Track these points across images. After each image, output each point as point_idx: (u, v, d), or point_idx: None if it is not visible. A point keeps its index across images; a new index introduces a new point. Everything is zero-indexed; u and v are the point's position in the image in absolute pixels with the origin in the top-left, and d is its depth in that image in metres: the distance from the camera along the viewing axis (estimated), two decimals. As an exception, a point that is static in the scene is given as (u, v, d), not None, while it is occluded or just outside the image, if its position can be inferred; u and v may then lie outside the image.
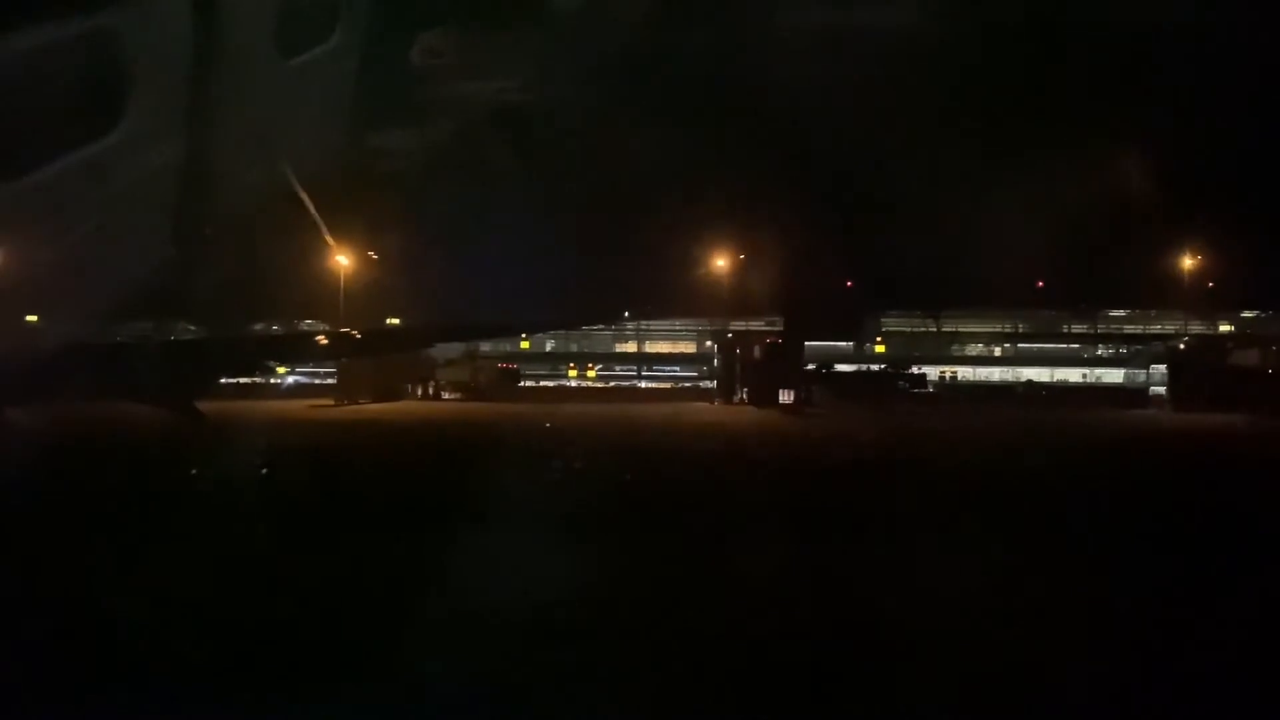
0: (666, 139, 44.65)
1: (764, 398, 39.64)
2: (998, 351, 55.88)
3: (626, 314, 52.29)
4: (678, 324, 55.51)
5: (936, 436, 26.39)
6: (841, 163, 43.44)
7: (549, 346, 55.49)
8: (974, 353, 55.34)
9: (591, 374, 53.55)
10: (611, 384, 52.69)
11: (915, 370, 46.16)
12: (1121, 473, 18.64)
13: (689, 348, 55.99)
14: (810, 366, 44.27)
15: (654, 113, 45.01)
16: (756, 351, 42.35)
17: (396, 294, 45.50)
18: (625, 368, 55.72)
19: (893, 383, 43.52)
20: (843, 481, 16.46)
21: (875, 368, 46.89)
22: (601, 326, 55.13)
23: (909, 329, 53.33)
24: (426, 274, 46.88)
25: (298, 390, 49.06)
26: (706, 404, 44.18)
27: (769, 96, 46.39)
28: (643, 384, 53.62)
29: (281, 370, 56.00)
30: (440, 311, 46.71)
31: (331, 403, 39.85)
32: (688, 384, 52.63)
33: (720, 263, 48.50)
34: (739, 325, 54.68)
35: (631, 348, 55.40)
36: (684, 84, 47.14)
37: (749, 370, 41.93)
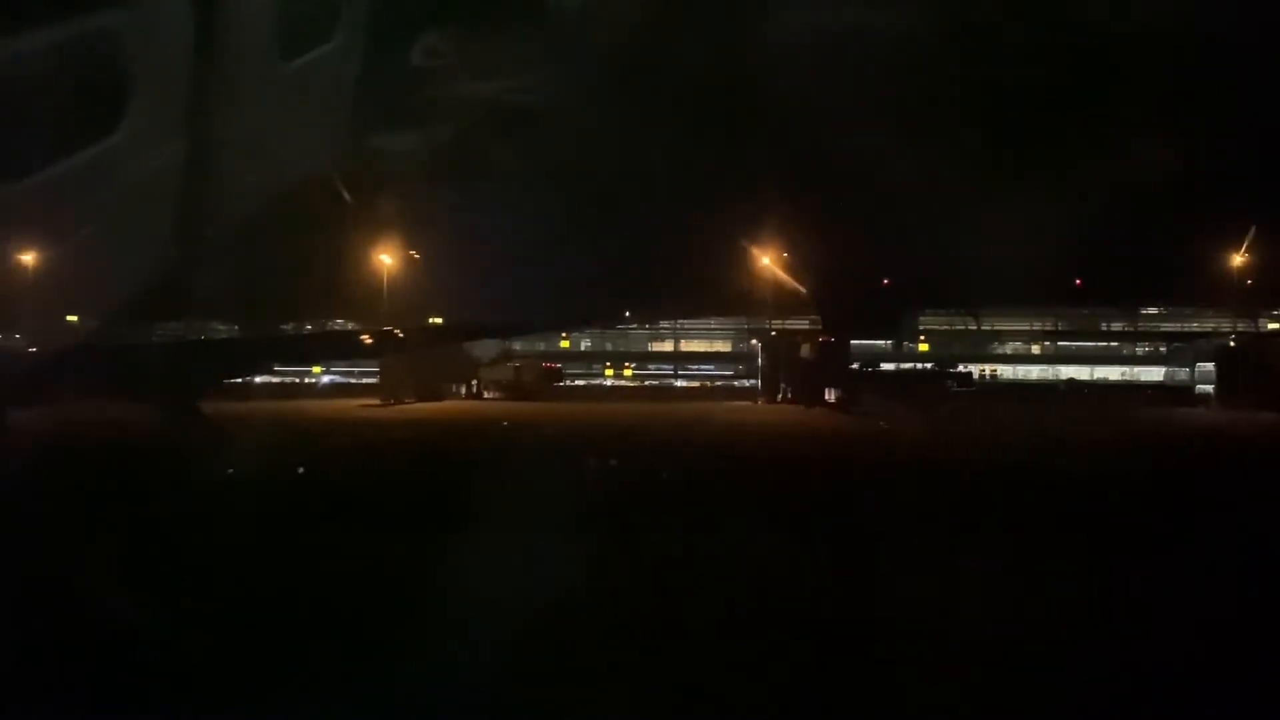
0: (695, 138, 44.52)
1: (810, 397, 39.36)
2: (1035, 349, 55.62)
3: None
4: (712, 323, 55.43)
5: (1014, 437, 26.04)
6: (877, 160, 43.19)
7: (584, 345, 55.39)
8: (1011, 350, 55.09)
9: (628, 373, 53.40)
10: (646, 383, 52.59)
11: (961, 369, 45.83)
12: (1227, 477, 18.28)
13: (723, 347, 55.87)
14: (853, 365, 44.04)
15: (681, 111, 44.86)
16: (803, 350, 42.07)
17: (412, 294, 45.53)
18: (659, 366, 55.61)
19: (940, 381, 43.20)
20: (951, 486, 16.03)
21: (922, 366, 46.58)
22: (637, 325, 55.10)
23: (946, 327, 53.09)
24: (441, 274, 46.87)
25: (336, 390, 49.06)
26: (749, 403, 43.96)
27: (797, 93, 46.23)
28: (677, 383, 53.52)
29: (317, 370, 56.12)
30: (454, 311, 46.73)
31: (378, 402, 39.68)
32: (721, 383, 52.56)
33: (755, 262, 48.31)
34: (774, 324, 54.59)
35: (666, 347, 55.30)
36: (709, 80, 46.99)
37: (794, 369, 41.64)
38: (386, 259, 44.03)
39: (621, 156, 47.01)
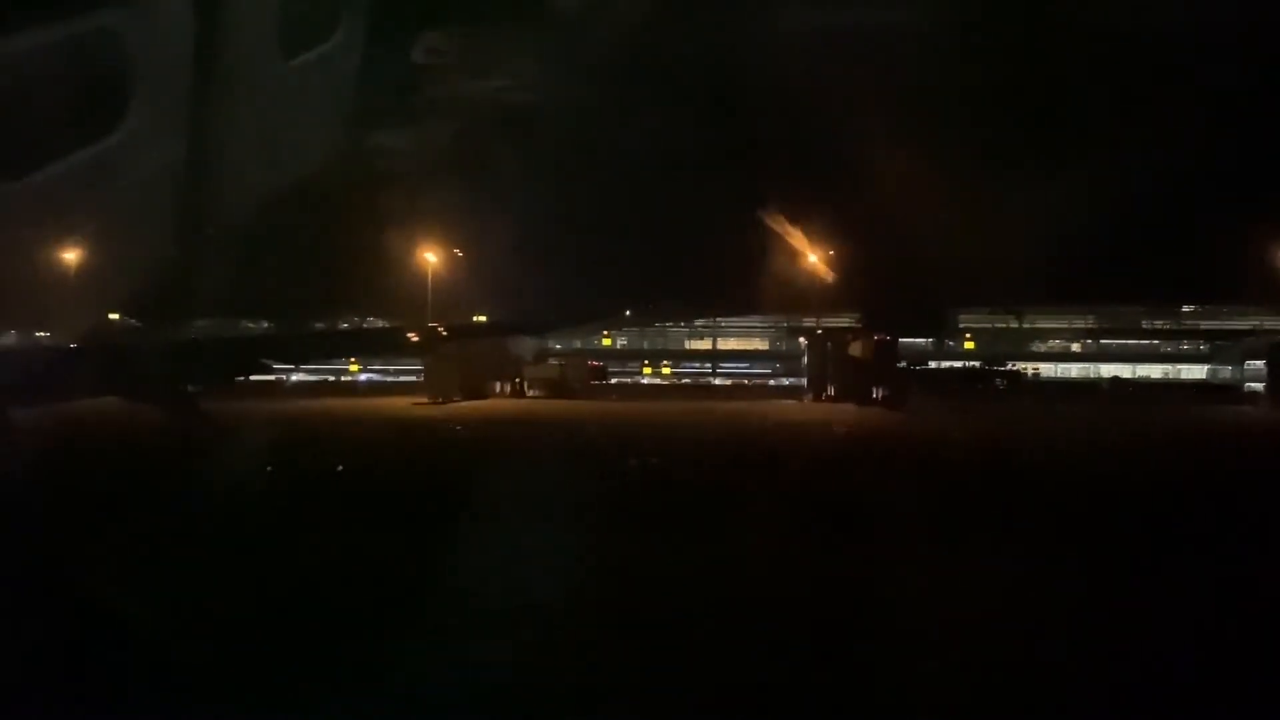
0: (733, 134, 44.30)
1: (861, 396, 39.10)
2: (1075, 347, 55.28)
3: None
4: (748, 321, 55.27)
5: (1083, 436, 25.76)
6: (916, 155, 42.93)
7: (619, 343, 55.20)
8: (1052, 349, 54.76)
9: (666, 371, 53.23)
10: (684, 381, 52.43)
11: (1009, 367, 45.52)
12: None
13: (758, 345, 55.69)
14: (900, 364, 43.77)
15: (720, 108, 44.68)
16: (852, 348, 41.78)
17: (453, 291, 45.43)
18: (695, 365, 55.46)
19: (990, 380, 42.88)
20: (1050, 490, 15.60)
21: (969, 364, 46.27)
22: (674, 323, 54.97)
23: (986, 324, 52.79)
24: (476, 271, 46.71)
25: (377, 388, 48.96)
26: (796, 401, 43.72)
27: (835, 89, 45.97)
28: (714, 381, 53.37)
29: (354, 368, 56.05)
30: (490, 309, 46.56)
31: (426, 400, 39.56)
32: (760, 381, 52.39)
33: (794, 260, 48.02)
34: (811, 321, 54.33)
35: (702, 345, 55.17)
36: (745, 76, 46.77)
37: (843, 367, 41.34)
38: (431, 256, 43.96)
39: (655, 153, 46.91)
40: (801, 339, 46.73)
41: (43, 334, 32.84)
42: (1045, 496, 13.79)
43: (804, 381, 51.30)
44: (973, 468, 18.34)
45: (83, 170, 9.09)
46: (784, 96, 46.85)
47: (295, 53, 11.44)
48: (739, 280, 49.33)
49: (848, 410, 36.15)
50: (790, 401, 43.35)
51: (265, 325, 48.40)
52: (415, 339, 43.73)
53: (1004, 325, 52.23)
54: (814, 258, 47.86)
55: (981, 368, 44.73)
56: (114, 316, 47.19)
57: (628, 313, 48.84)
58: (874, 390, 39.07)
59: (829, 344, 43.15)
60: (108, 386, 10.86)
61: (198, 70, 9.73)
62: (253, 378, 49.37)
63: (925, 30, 49.78)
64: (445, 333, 43.10)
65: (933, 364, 46.27)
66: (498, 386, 45.41)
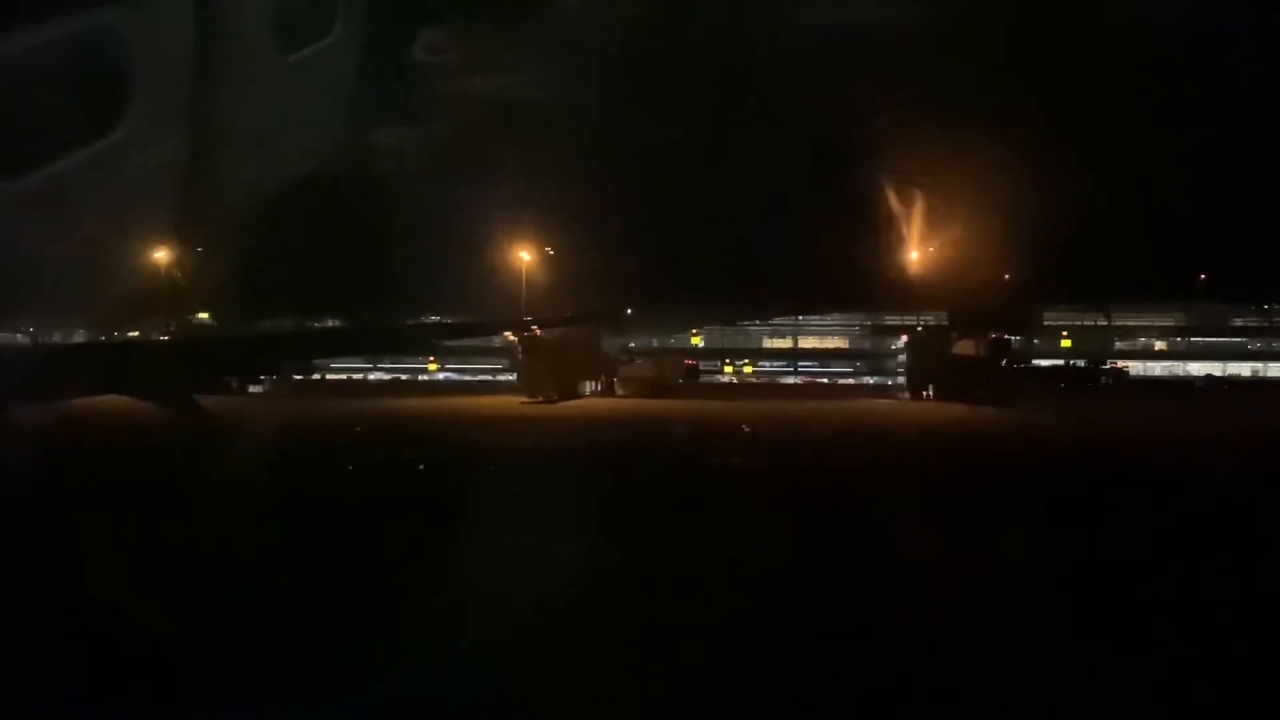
0: (820, 131, 43.84)
1: (965, 394, 38.53)
2: (1159, 345, 54.61)
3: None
4: (830, 319, 54.94)
5: (1231, 432, 25.12)
6: (1003, 152, 42.42)
7: (698, 342, 54.85)
8: (1138, 346, 54.08)
9: (748, 369, 52.86)
10: (769, 380, 52.09)
11: (1114, 365, 44.93)
12: None
13: (837, 343, 55.29)
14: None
15: (808, 106, 44.24)
16: (961, 346, 41.26)
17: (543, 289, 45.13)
18: (770, 363, 55.11)
19: (1096, 378, 42.29)
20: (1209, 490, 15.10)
21: (1075, 362, 45.67)
22: (754, 322, 54.64)
23: (1073, 322, 52.22)
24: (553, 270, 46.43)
25: (461, 387, 48.68)
26: (891, 400, 43.28)
27: (920, 85, 45.52)
28: (793, 379, 53.00)
29: (432, 367, 55.90)
30: (577, 304, 46.27)
31: (528, 399, 39.29)
32: (844, 380, 52.06)
33: (878, 258, 47.56)
34: (894, 320, 53.89)
35: (781, 343, 54.79)
36: (827, 74, 46.38)
37: (948, 366, 40.80)
38: (525, 255, 43.73)
39: (739, 152, 46.60)
40: (903, 337, 46.20)
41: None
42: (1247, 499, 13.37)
43: (888, 380, 50.97)
44: (1150, 470, 17.63)
45: (82, 170, 8.97)
46: (879, 94, 46.43)
47: (296, 50, 11.36)
48: (822, 278, 48.96)
49: (965, 410, 35.63)
50: (887, 401, 42.89)
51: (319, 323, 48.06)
52: (525, 334, 43.66)
53: (1092, 323, 51.63)
54: (898, 256, 47.42)
55: (1086, 366, 44.09)
56: (202, 316, 47.49)
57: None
58: (981, 390, 38.43)
59: (934, 343, 42.60)
60: (109, 385, 10.70)
61: (198, 69, 9.68)
62: (327, 375, 49.83)
63: (1010, 23, 49.39)
64: (540, 330, 42.98)
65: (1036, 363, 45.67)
66: (594, 385, 45.10)
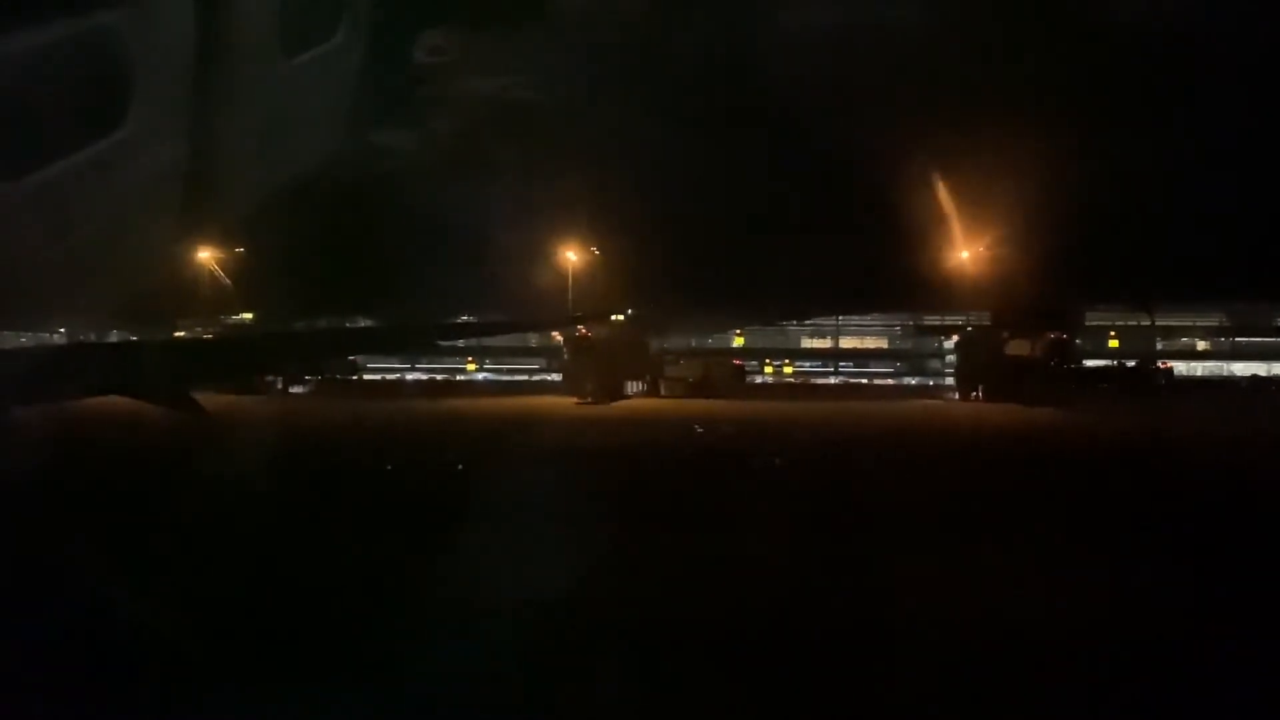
0: (859, 130, 43.56)
1: (1019, 394, 38.28)
2: (1201, 345, 54.21)
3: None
4: (869, 319, 54.67)
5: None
6: (1045, 151, 42.14)
7: (736, 342, 54.58)
8: (1180, 346, 53.65)
9: (788, 370, 52.58)
10: (801, 380, 51.76)
11: (1160, 365, 44.59)
12: None
13: (877, 343, 55.01)
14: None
15: (849, 106, 44.00)
16: (1015, 346, 40.99)
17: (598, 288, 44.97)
18: (808, 364, 54.80)
19: (1149, 378, 41.97)
20: None
21: (1127, 362, 45.30)
22: (793, 322, 54.36)
23: (1117, 322, 51.89)
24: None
25: (504, 387, 48.46)
26: (941, 401, 43.03)
27: (964, 84, 45.27)
28: (832, 380, 52.69)
29: (471, 367, 55.69)
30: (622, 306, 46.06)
31: (579, 400, 39.10)
32: (879, 380, 51.76)
33: (922, 258, 47.27)
34: (933, 320, 53.58)
35: (820, 343, 54.49)
36: (868, 73, 46.14)
37: (1002, 366, 40.52)
38: (573, 255, 43.58)
39: (781, 152, 46.38)
40: (954, 337, 45.91)
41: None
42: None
43: (929, 381, 50.71)
44: (1247, 474, 17.39)
45: (82, 170, 8.94)
46: (913, 89, 46.18)
47: (300, 53, 11.48)
48: (858, 278, 48.69)
49: (1022, 411, 35.40)
50: (937, 401, 42.65)
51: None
52: (574, 334, 43.54)
53: (1134, 323, 51.26)
54: (940, 255, 47.14)
55: (1139, 366, 43.76)
56: (247, 316, 47.39)
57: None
58: (1034, 390, 38.13)
59: (986, 343, 42.32)
60: (110, 385, 10.66)
61: (199, 69, 9.66)
62: (365, 376, 49.66)
63: (1054, 21, 49.06)
64: (589, 331, 42.83)
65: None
66: (639, 386, 44.83)
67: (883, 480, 16.25)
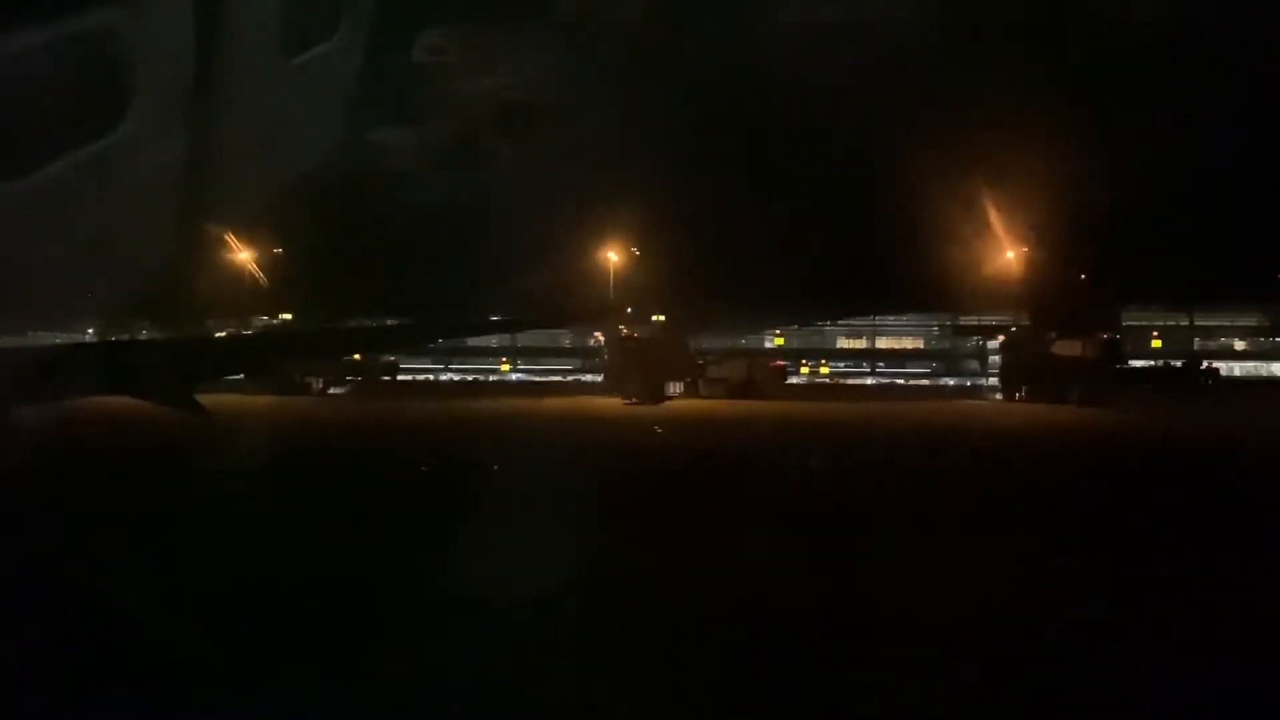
0: (896, 128, 43.37)
1: (1066, 395, 38.05)
2: (1239, 345, 54.03)
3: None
4: (906, 319, 54.62)
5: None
6: (1076, 149, 41.93)
7: (769, 343, 54.51)
8: (1217, 346, 53.46)
9: (825, 370, 52.40)
10: (837, 380, 51.63)
11: (1205, 365, 44.26)
12: None
13: (912, 343, 54.92)
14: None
15: (891, 104, 43.84)
16: (1062, 346, 40.74)
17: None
18: (843, 364, 54.73)
19: (1196, 378, 41.68)
20: None
21: (1173, 362, 44.99)
22: (829, 323, 54.32)
23: (1150, 322, 51.76)
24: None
25: (541, 388, 48.31)
26: (983, 401, 42.79)
27: (1002, 84, 45.03)
28: (869, 380, 52.60)
29: (505, 368, 55.64)
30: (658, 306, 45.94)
31: (625, 400, 38.94)
32: (916, 380, 51.63)
33: (958, 258, 47.07)
34: (969, 320, 53.42)
35: (855, 344, 54.47)
36: (904, 72, 45.96)
37: (1048, 367, 40.25)
38: (614, 255, 43.47)
39: (818, 152, 46.16)
40: (999, 337, 45.70)
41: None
42: None
43: (967, 381, 50.51)
44: None
45: (82, 170, 8.84)
46: (952, 88, 45.93)
47: (299, 50, 11.40)
48: (895, 278, 48.51)
49: (1072, 411, 35.18)
50: (978, 402, 42.42)
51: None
52: (617, 334, 43.39)
53: (1173, 323, 51.11)
54: (977, 256, 46.94)
55: (1184, 366, 43.48)
56: (286, 317, 47.33)
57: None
58: (1081, 391, 37.88)
59: (1031, 343, 42.10)
60: (111, 385, 10.69)
61: (199, 69, 9.59)
62: (399, 377, 49.53)
63: (1090, 22, 48.78)
64: (636, 334, 42.67)
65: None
66: (678, 387, 44.58)
67: (990, 485, 16.11)
